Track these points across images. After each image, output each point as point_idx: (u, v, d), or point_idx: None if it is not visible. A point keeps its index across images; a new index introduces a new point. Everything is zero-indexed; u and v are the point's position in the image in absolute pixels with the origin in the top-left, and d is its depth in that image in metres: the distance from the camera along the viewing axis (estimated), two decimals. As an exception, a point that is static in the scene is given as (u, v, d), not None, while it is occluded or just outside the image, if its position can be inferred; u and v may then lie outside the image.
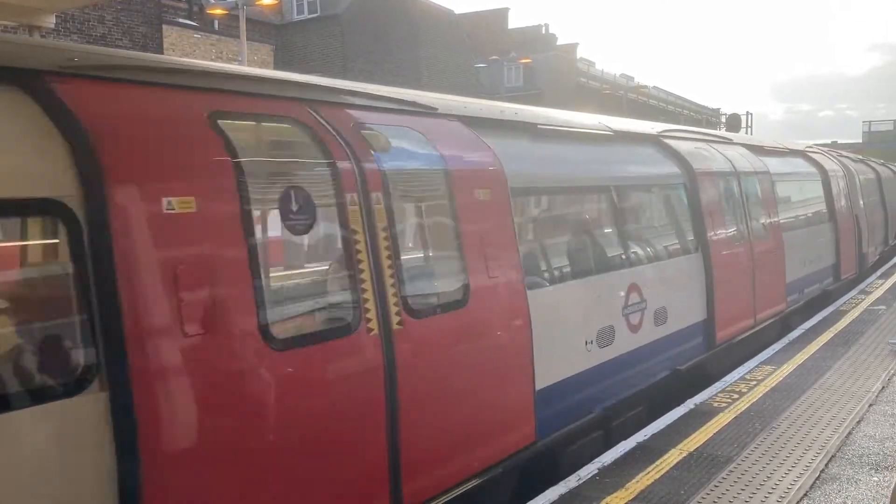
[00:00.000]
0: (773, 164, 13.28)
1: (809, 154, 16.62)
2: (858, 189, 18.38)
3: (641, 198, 9.75)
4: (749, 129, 65.77)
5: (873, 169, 23.88)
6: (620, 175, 8.84)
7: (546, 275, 7.28)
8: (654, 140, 9.95)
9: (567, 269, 7.63)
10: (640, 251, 8.73)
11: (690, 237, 9.69)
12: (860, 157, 25.00)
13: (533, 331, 6.33)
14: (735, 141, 12.90)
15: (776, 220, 12.36)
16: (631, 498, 5.76)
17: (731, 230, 10.57)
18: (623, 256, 8.37)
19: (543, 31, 66.28)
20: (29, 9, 11.35)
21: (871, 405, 7.93)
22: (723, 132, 13.30)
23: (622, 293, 7.88)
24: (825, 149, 18.64)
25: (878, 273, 19.16)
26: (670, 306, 8.69)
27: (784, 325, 12.38)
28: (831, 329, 11.91)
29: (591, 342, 7.27)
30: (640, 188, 9.46)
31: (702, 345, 9.57)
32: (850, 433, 7.08)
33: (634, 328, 8.01)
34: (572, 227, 8.28)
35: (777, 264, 12.13)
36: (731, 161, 11.27)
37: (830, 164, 16.82)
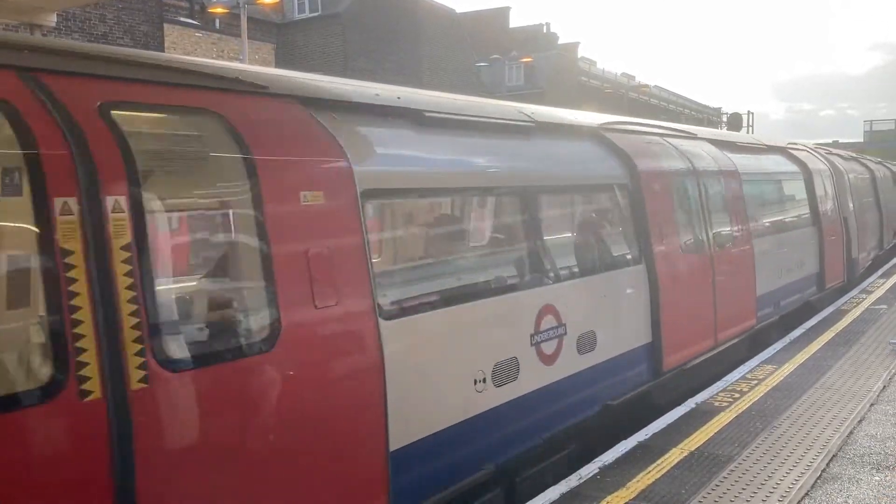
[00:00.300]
0: (744, 162, 11.90)
1: (791, 151, 15.14)
2: (848, 189, 16.92)
3: (567, 202, 8.52)
4: (750, 129, 65.74)
5: (867, 168, 22.66)
6: (539, 174, 7.30)
7: (417, 300, 5.69)
8: (593, 134, 8.47)
9: (451, 292, 6.07)
10: (559, 266, 7.22)
11: (632, 247, 8.28)
12: (853, 154, 23.65)
13: (388, 374, 4.86)
14: (700, 136, 11.34)
15: (745, 224, 10.88)
16: (632, 497, 5.75)
17: (686, 238, 9.15)
18: (535, 273, 6.88)
19: (545, 31, 66.27)
20: (30, 7, 11.37)
21: (872, 404, 7.93)
22: (686, 126, 11.55)
23: (531, 317, 6.41)
24: (813, 146, 17.37)
25: (880, 272, 19.15)
26: (601, 330, 7.30)
27: (756, 342, 11.15)
28: (832, 328, 11.90)
29: (484, 381, 5.81)
30: (565, 190, 8.07)
31: (645, 373, 8.15)
32: (851, 432, 7.08)
33: (549, 359, 6.59)
34: (462, 239, 7.04)
35: (745, 275, 10.69)
36: (689, 158, 9.78)
37: (815, 163, 15.44)
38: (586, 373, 7.13)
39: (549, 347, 6.58)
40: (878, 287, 16.42)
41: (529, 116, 7.43)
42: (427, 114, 6.12)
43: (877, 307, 13.74)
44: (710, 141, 11.38)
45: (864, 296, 15.20)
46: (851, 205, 16.79)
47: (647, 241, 8.21)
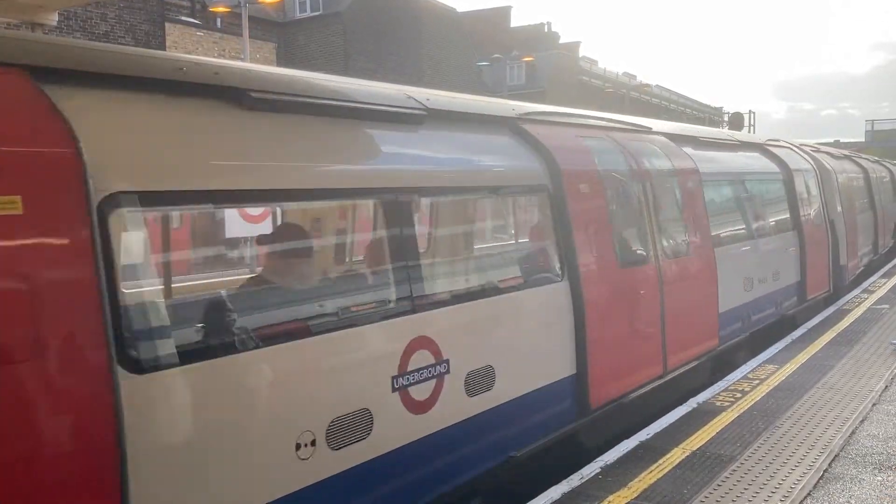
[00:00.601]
0: (709, 161, 10.61)
1: (769, 148, 13.64)
2: (836, 190, 15.40)
3: (461, 208, 7.35)
4: (752, 128, 65.75)
5: (861, 167, 21.21)
6: (421, 173, 5.82)
7: (204, 342, 4.29)
8: (508, 125, 6.98)
9: (261, 329, 4.53)
10: (441, 287, 6.02)
11: (550, 261, 7.02)
12: (846, 153, 22.06)
13: (130, 454, 3.48)
14: (656, 130, 9.76)
15: (705, 231, 9.43)
16: (634, 496, 5.74)
17: (625, 248, 7.84)
18: (401, 297, 5.33)
19: (546, 30, 66.37)
20: (31, 6, 11.38)
21: (874, 404, 7.92)
22: (639, 119, 10.18)
23: (393, 355, 4.98)
24: (799, 144, 16.07)
25: (882, 272, 19.13)
26: (503, 364, 5.97)
27: (721, 362, 9.94)
28: (834, 328, 11.88)
29: (312, 444, 4.42)
30: (458, 193, 6.58)
31: (568, 411, 6.78)
32: (853, 432, 7.06)
33: (421, 406, 5.19)
34: (290, 257, 5.43)
35: (704, 289, 9.23)
36: (634, 156, 8.36)
37: (797, 161, 14.02)
38: (480, 419, 5.73)
39: (421, 391, 5.19)
40: (880, 287, 16.40)
41: (421, 103, 5.95)
42: (254, 94, 4.62)
43: (878, 307, 13.72)
44: (668, 136, 9.88)
45: (865, 295, 15.19)
46: (840, 207, 15.31)
47: (570, 254, 6.79)
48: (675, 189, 9.15)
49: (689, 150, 10.00)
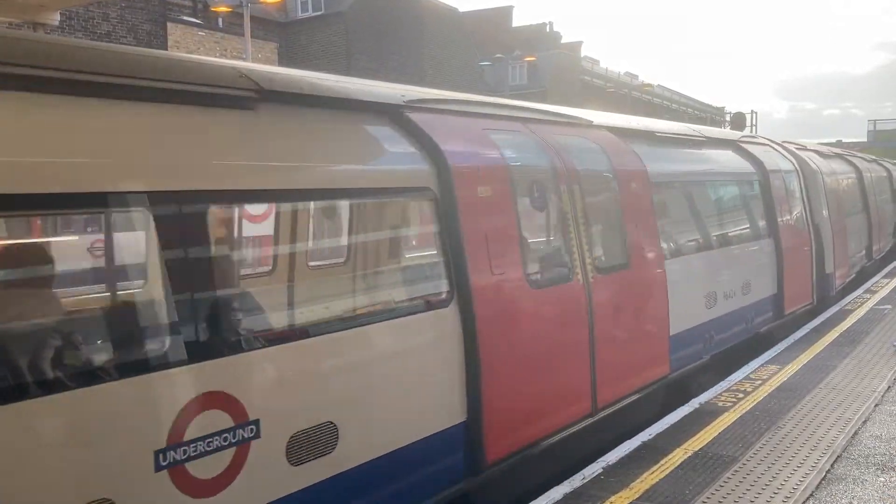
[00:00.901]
0: (663, 160, 9.27)
1: (744, 146, 12.18)
2: (822, 192, 13.99)
3: (302, 216, 6.09)
4: (754, 128, 65.72)
5: (853, 166, 19.71)
6: (233, 173, 4.41)
7: None
8: (389, 114, 5.68)
9: None
10: (255, 323, 4.72)
11: (433, 282, 5.78)
12: (837, 151, 20.47)
13: None
14: (597, 123, 8.33)
15: (653, 241, 8.14)
16: (636, 497, 5.73)
17: (540, 263, 6.77)
18: (180, 341, 3.94)
19: (547, 30, 66.39)
20: (33, 6, 11.39)
21: (877, 405, 7.90)
22: (575, 110, 8.59)
23: (162, 420, 3.72)
24: (783, 141, 14.78)
25: (884, 272, 19.09)
26: (352, 419, 4.68)
27: (680, 389, 8.77)
28: (836, 328, 11.86)
29: None
30: (292, 197, 5.17)
31: (452, 470, 5.47)
32: (856, 433, 7.05)
33: (210, 487, 3.91)
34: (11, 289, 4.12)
35: (650, 308, 7.98)
36: (560, 153, 7.01)
37: (775, 161, 12.58)
38: (311, 495, 4.43)
39: (209, 466, 3.88)
40: (883, 287, 16.37)
41: (255, 82, 4.65)
42: None
43: (881, 307, 13.69)
44: (615, 130, 8.49)
45: (868, 295, 15.16)
46: (826, 210, 13.94)
47: (461, 273, 5.49)
48: (614, 192, 7.82)
49: (640, 147, 8.67)
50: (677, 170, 9.84)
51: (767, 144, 13.39)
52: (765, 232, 11.46)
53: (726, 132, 13.30)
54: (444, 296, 5.54)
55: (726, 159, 11.53)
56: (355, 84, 5.87)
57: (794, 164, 13.35)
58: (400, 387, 5.14)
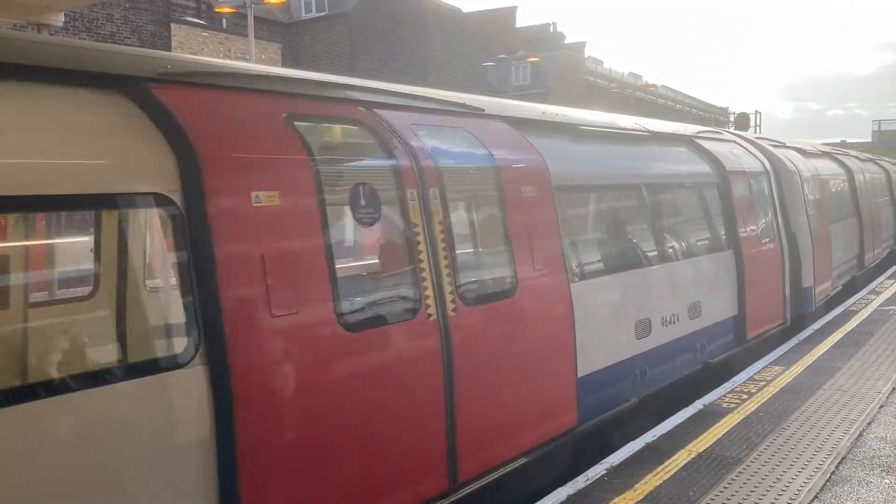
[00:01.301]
0: (577, 160, 7.87)
1: (700, 142, 10.47)
2: (800, 195, 12.30)
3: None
4: (758, 129, 65.62)
5: (843, 166, 17.97)
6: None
7: None
8: (130, 92, 4.14)
9: None
10: None
11: (164, 330, 4.44)
12: (825, 150, 18.59)
13: None
14: (490, 112, 6.83)
15: (553, 260, 6.56)
16: (639, 499, 5.72)
17: (363, 297, 5.37)
18: None
19: (551, 30, 66.30)
20: (37, 7, 11.39)
21: (881, 407, 7.88)
22: (463, 95, 6.80)
23: None
24: (756, 137, 13.28)
25: (888, 273, 19.03)
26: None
27: (600, 439, 7.22)
28: (841, 329, 11.83)
29: None
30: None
31: None
32: (860, 435, 7.03)
33: None
34: None
35: (546, 345, 6.41)
36: (412, 148, 5.45)
37: (738, 160, 10.92)
38: None
39: None
40: (887, 288, 16.32)
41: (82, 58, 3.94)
42: None
43: (885, 308, 13.66)
44: (511, 121, 6.99)
45: (872, 297, 15.13)
46: (805, 216, 12.26)
47: (212, 315, 3.89)
48: (496, 199, 6.23)
49: (547, 141, 7.18)
50: (601, 171, 8.30)
51: (733, 141, 11.92)
52: (722, 243, 9.94)
53: (680, 126, 11.27)
54: (182, 352, 3.85)
55: (676, 158, 9.89)
56: (72, 46, 4.37)
57: (764, 165, 11.80)
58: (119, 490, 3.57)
